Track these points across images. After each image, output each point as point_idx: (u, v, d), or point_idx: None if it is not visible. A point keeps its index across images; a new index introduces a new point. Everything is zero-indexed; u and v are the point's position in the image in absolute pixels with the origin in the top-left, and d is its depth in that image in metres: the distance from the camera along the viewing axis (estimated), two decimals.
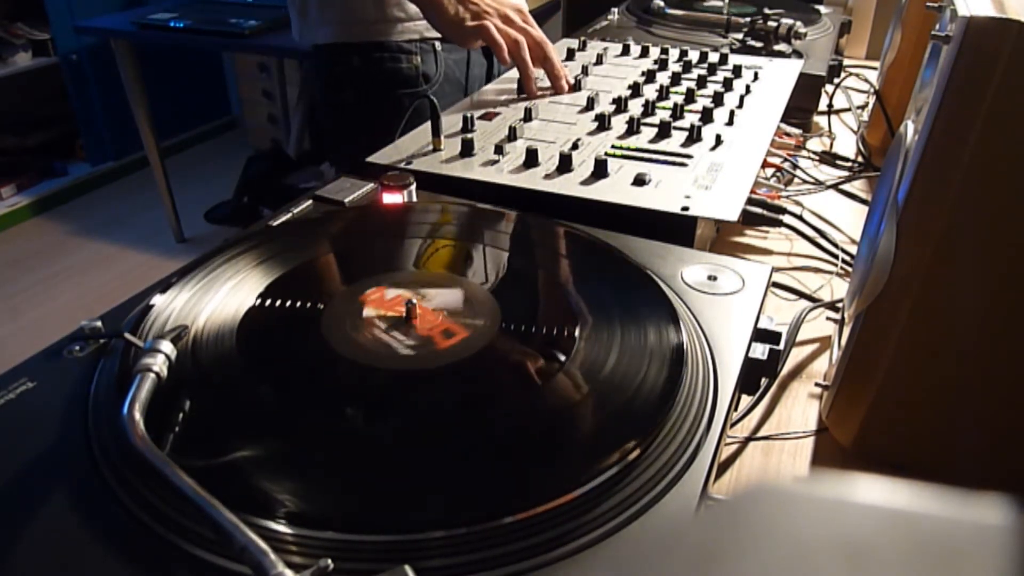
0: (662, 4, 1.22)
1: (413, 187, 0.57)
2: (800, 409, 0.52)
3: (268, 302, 0.43)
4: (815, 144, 0.94)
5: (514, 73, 0.88)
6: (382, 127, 0.74)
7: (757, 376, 0.43)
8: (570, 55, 0.96)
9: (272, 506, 0.29)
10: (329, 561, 0.27)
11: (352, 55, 0.99)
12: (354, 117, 1.02)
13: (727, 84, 0.83)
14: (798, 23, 1.05)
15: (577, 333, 0.40)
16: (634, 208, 0.57)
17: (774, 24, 1.05)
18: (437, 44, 1.01)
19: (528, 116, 0.74)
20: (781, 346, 0.43)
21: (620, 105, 0.76)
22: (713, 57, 0.94)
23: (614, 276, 0.46)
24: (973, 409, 0.42)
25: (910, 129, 0.44)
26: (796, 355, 0.58)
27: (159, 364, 0.35)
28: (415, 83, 1.00)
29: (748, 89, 0.83)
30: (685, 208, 0.56)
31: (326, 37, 1.00)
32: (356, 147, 0.68)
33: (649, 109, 0.75)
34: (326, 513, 0.30)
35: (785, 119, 0.82)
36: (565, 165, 0.62)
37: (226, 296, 0.43)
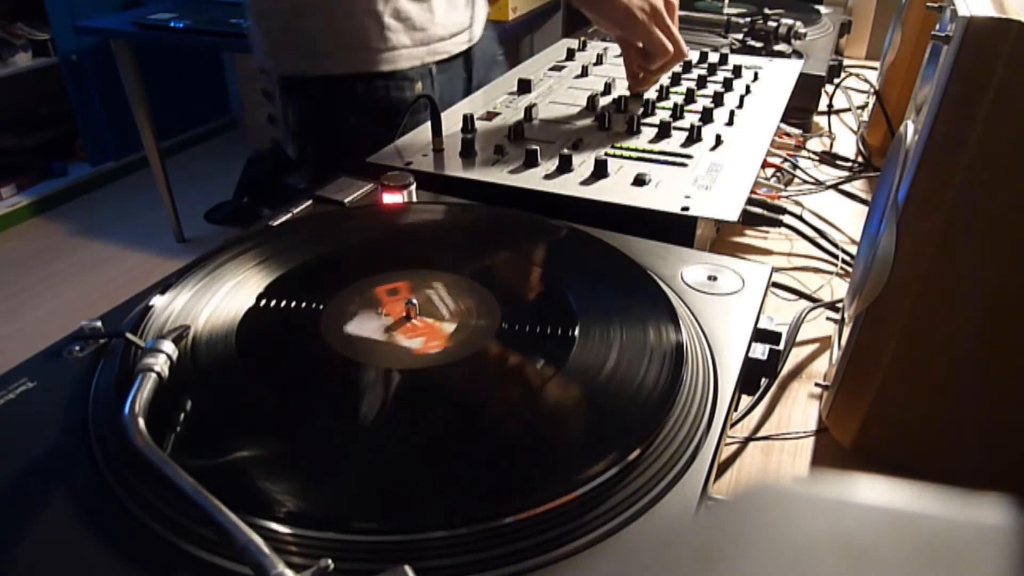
0: None
1: (413, 187, 0.57)
2: (800, 409, 0.52)
3: (268, 302, 0.43)
4: (815, 144, 0.94)
5: (513, 75, 0.88)
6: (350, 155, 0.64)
7: (757, 376, 0.43)
8: (570, 55, 0.96)
9: (272, 506, 0.30)
10: (329, 561, 0.27)
11: (312, 88, 0.90)
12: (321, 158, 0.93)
13: (727, 84, 0.83)
14: (798, 23, 1.05)
15: (577, 333, 0.40)
16: (634, 208, 0.57)
17: (774, 24, 1.05)
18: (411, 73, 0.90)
19: (528, 116, 0.74)
20: (781, 346, 0.43)
21: (620, 105, 0.76)
22: (713, 57, 0.94)
23: (614, 276, 0.46)
24: (973, 409, 0.42)
25: (910, 129, 0.44)
26: (796, 355, 0.58)
27: (160, 364, 0.35)
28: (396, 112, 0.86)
29: (748, 89, 0.83)
30: (685, 208, 0.56)
31: (283, 68, 0.91)
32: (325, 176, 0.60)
33: (649, 109, 0.75)
34: (326, 513, 0.30)
35: (785, 119, 0.82)
36: (565, 165, 0.62)
37: (226, 296, 0.43)
